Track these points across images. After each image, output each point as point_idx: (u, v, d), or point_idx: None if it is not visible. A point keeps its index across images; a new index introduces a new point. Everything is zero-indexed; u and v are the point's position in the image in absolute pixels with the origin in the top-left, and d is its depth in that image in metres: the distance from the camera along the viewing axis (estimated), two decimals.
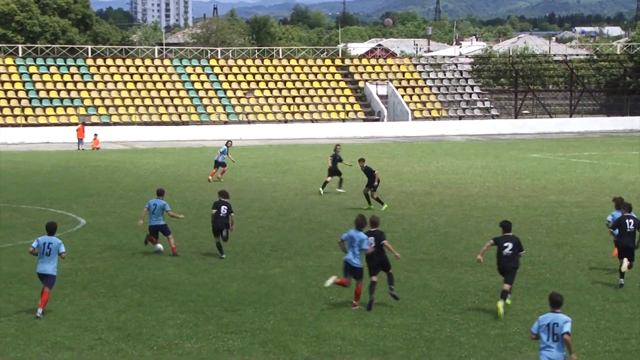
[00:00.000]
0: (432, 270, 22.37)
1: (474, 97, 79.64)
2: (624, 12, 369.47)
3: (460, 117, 76.37)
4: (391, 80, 77.25)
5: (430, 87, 78.98)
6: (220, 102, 72.09)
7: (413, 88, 78.25)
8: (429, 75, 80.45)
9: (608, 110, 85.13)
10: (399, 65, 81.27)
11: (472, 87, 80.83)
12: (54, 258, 18.33)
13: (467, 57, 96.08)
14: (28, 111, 66.24)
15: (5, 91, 67.47)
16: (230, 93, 73.22)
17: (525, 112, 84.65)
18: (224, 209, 23.94)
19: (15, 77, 69.09)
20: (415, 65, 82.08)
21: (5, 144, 60.33)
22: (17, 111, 65.77)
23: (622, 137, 69.38)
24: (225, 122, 69.94)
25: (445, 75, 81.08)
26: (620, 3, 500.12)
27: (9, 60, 70.95)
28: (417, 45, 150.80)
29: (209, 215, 30.61)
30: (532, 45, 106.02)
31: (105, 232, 27.56)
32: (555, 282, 21.05)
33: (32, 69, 70.31)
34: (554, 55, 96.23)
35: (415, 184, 39.92)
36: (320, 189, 36.43)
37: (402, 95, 75.60)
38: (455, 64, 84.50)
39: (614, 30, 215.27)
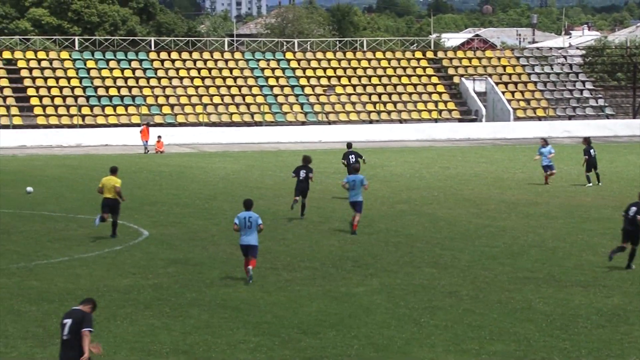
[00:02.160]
0: (538, 290, 22.21)
1: (586, 94, 78.71)
2: None
3: (570, 117, 75.52)
4: (490, 76, 76.78)
5: (535, 83, 78.30)
6: (297, 100, 72.47)
7: (515, 84, 77.65)
8: (533, 70, 79.78)
9: None
10: (499, 59, 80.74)
11: (583, 82, 79.90)
12: (255, 230, 22.94)
13: (577, 48, 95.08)
14: (85, 110, 67.42)
15: (61, 88, 68.77)
16: (308, 90, 73.56)
17: None
18: (302, 172, 31.75)
19: (71, 73, 70.38)
20: (518, 58, 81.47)
21: (60, 146, 61.50)
22: (73, 110, 66.99)
23: None
24: (303, 123, 70.30)
25: (552, 69, 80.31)
26: None
27: (64, 54, 72.30)
28: (520, 35, 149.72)
29: (284, 226, 30.91)
30: None
31: (170, 244, 27.93)
32: None
33: (90, 64, 71.55)
34: None
35: (517, 192, 39.64)
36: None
37: (503, 92, 75.06)
38: (564, 57, 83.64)
39: None
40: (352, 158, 37.32)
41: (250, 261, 23.02)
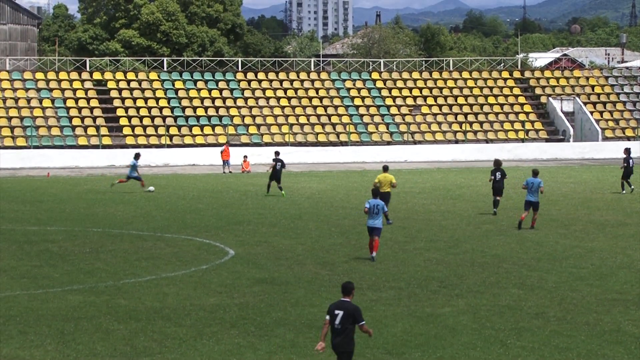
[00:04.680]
0: (627, 312, 21.85)
1: None
2: None
3: None
4: (578, 95, 76.04)
5: (624, 103, 77.32)
6: (382, 120, 72.52)
7: (604, 104, 76.77)
8: (622, 89, 78.79)
9: None
10: (587, 78, 79.92)
11: None
12: (380, 215, 28.16)
13: None
14: (173, 130, 68.25)
15: (149, 109, 69.74)
16: (394, 110, 73.57)
17: None
18: (498, 174, 38.05)
19: (159, 93, 71.34)
20: (606, 77, 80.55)
21: (149, 166, 62.29)
22: (161, 130, 67.85)
23: None
24: (389, 143, 70.29)
25: None
26: None
27: (153, 75, 73.32)
28: (608, 55, 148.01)
29: (367, 246, 30.87)
30: None
31: (256, 263, 28.08)
32: None
33: (178, 84, 72.44)
34: None
35: (606, 212, 39.10)
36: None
37: (591, 112, 74.26)
38: None
39: None
40: (497, 175, 38.53)
41: (375, 241, 28.11)
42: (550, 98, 75.41)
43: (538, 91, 77.20)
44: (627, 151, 47.75)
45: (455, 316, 21.67)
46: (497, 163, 39.32)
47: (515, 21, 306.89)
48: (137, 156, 48.11)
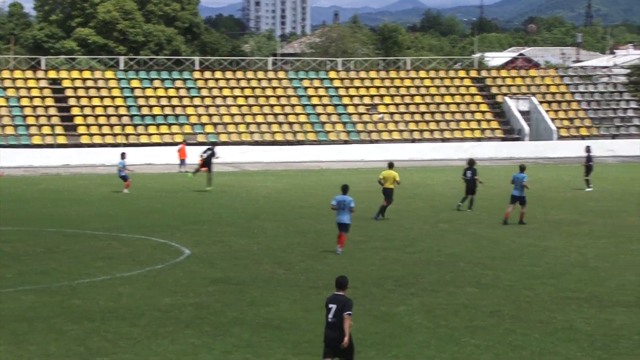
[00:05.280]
0: (580, 310, 22.03)
1: (630, 113, 78.15)
2: None
3: (614, 136, 74.96)
4: (534, 94, 76.49)
5: (579, 102, 77.88)
6: (340, 119, 72.59)
7: (559, 103, 77.29)
8: (577, 89, 79.37)
9: None
10: (543, 77, 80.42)
11: (627, 101, 79.36)
12: (347, 211, 28.74)
13: (622, 67, 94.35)
14: (129, 129, 67.89)
15: (105, 107, 69.34)
16: (351, 109, 73.65)
17: None
18: (469, 173, 39.49)
19: (115, 92, 70.93)
20: (562, 77, 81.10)
21: (103, 165, 61.90)
22: (117, 129, 67.48)
23: None
24: (346, 142, 70.36)
25: (596, 88, 79.86)
26: None
27: (109, 74, 72.89)
28: (564, 54, 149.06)
29: (327, 244, 30.89)
30: None
31: (212, 263, 28.01)
32: None
33: (134, 83, 72.08)
34: None
35: (561, 211, 39.39)
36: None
37: (547, 111, 74.73)
38: (609, 76, 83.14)
39: None
40: (468, 174, 39.76)
41: (342, 237, 29.00)
42: (506, 97, 75.79)
43: (494, 90, 77.56)
44: (588, 149, 48.55)
45: (410, 315, 21.75)
46: (470, 162, 40.32)
47: (472, 21, 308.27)
48: (123, 155, 47.94)
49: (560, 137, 73.03)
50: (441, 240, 32.24)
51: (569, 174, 55.62)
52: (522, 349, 18.98)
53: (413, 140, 71.41)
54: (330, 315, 16.10)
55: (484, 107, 75.62)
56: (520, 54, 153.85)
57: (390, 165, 38.56)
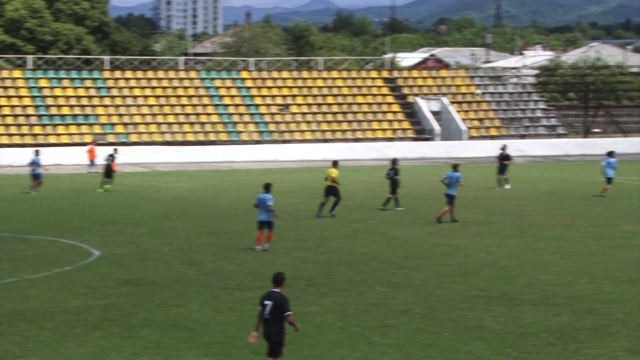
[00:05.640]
0: (489, 309, 22.28)
1: (539, 113, 79.33)
2: None
3: (523, 136, 76.00)
4: (445, 95, 77.21)
5: (489, 102, 78.81)
6: (252, 119, 72.46)
7: (469, 103, 78.14)
8: (487, 89, 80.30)
9: None
10: (453, 78, 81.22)
11: (536, 102, 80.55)
12: (267, 209, 29.15)
13: (531, 68, 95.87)
14: (37, 130, 66.94)
15: (13, 107, 68.28)
16: (263, 109, 73.57)
17: (596, 130, 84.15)
18: (391, 172, 39.84)
19: (23, 92, 69.89)
20: (472, 77, 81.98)
21: (11, 166, 60.92)
22: (25, 130, 66.49)
23: None
24: (258, 142, 70.26)
25: (505, 89, 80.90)
26: None
27: (17, 73, 71.79)
28: (474, 55, 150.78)
29: (238, 245, 30.80)
30: (604, 56, 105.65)
31: (122, 264, 27.75)
32: (628, 323, 20.88)
33: (43, 82, 71.10)
34: (630, 66, 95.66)
35: (471, 211, 39.79)
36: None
37: (457, 112, 75.50)
38: (518, 77, 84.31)
39: None
40: (390, 173, 40.53)
41: (268, 233, 29.58)
42: (417, 98, 76.37)
43: (405, 91, 78.08)
44: (503, 148, 49.82)
45: (321, 315, 21.78)
46: (393, 162, 41.02)
47: (384, 21, 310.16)
48: (37, 152, 47.85)
49: (471, 137, 73.81)
50: (353, 240, 32.35)
51: (479, 174, 56.24)
52: (432, 348, 19.13)
53: (325, 141, 71.57)
54: (266, 312, 16.30)
55: (395, 108, 76.11)
56: (432, 55, 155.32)
57: (333, 164, 39.33)
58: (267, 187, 30.08)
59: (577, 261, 28.29)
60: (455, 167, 37.59)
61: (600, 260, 28.30)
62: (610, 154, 46.55)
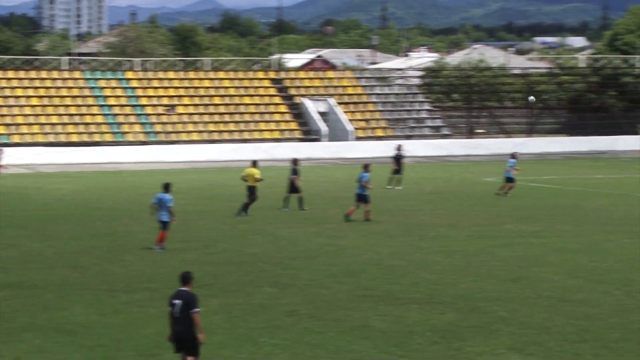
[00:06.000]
0: (376, 308, 22.43)
1: (424, 114, 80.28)
2: (588, 20, 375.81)
3: (408, 137, 76.77)
4: (331, 96, 77.58)
5: (375, 103, 79.44)
6: (138, 119, 71.78)
7: (356, 104, 78.64)
8: (373, 90, 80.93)
9: (570, 130, 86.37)
10: (340, 79, 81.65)
11: (421, 103, 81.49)
12: (166, 209, 29.46)
13: (416, 69, 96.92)
14: None
15: None
16: (149, 109, 72.94)
17: (479, 131, 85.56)
18: (291, 172, 40.49)
19: None
20: (358, 78, 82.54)
21: None
22: None
23: (585, 159, 70.37)
24: (144, 143, 69.61)
25: (391, 90, 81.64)
26: (585, 11, 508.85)
27: None
28: (361, 56, 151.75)
29: (123, 247, 30.46)
30: (487, 57, 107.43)
31: (3, 267, 27.21)
32: (511, 320, 21.24)
33: None
34: (512, 68, 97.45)
35: (357, 211, 39.93)
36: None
37: (344, 112, 75.92)
38: (403, 78, 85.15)
39: (578, 41, 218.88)
40: (290, 173, 40.96)
41: (161, 233, 29.58)
42: (304, 98, 76.60)
43: (292, 92, 78.24)
44: (399, 148, 50.48)
45: (208, 316, 21.61)
46: (294, 162, 41.49)
47: (271, 22, 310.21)
48: None
49: (358, 138, 74.30)
50: (240, 240, 32.29)
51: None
52: (318, 348, 19.18)
53: (212, 141, 71.28)
54: (175, 311, 16.36)
55: (282, 108, 76.21)
56: (318, 56, 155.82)
57: (254, 163, 39.54)
58: (167, 187, 30.18)
59: (461, 260, 28.69)
60: (365, 168, 37.83)
61: (484, 260, 28.73)
62: (513, 155, 47.14)
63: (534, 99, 44.71)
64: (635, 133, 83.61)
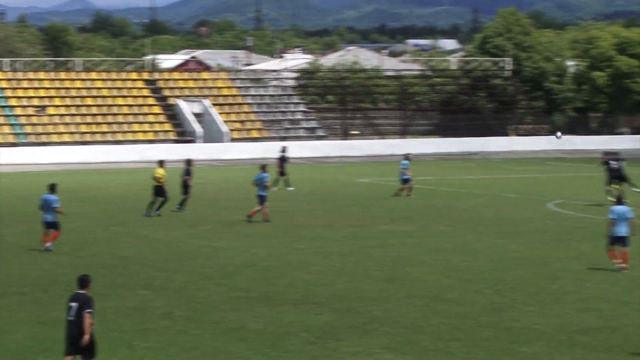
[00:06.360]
0: (251, 310, 22.41)
1: (299, 115, 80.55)
2: (459, 23, 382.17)
3: (284, 138, 76.89)
4: (206, 97, 77.25)
5: (251, 105, 79.39)
6: (7, 120, 70.33)
7: (231, 105, 78.46)
8: (248, 92, 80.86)
9: (442, 131, 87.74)
10: (214, 80, 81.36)
11: (296, 104, 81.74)
12: (52, 210, 29.36)
13: (291, 71, 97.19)
14: None
15: None
16: (19, 110, 71.54)
17: (354, 132, 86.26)
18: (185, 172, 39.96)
19: None
20: (233, 79, 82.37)
21: None
22: None
23: (457, 160, 71.56)
24: (14, 144, 68.25)
25: (267, 91, 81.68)
26: (456, 14, 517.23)
27: None
28: (235, 57, 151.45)
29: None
30: (362, 59, 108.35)
31: None
32: (385, 320, 21.44)
33: None
34: (386, 70, 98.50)
35: (234, 212, 39.92)
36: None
37: (220, 114, 75.68)
38: (278, 79, 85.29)
39: (449, 44, 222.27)
40: (185, 173, 40.68)
41: (52, 235, 29.57)
42: (178, 100, 76.09)
43: (167, 92, 77.65)
44: (284, 150, 50.80)
45: None
46: (187, 162, 41.37)
47: (144, 22, 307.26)
48: None
49: (233, 140, 74.14)
50: (114, 243, 31.92)
51: (241, 175, 56.58)
52: (194, 350, 19.07)
53: (85, 143, 70.30)
54: (71, 314, 16.31)
55: (156, 109, 75.60)
56: (193, 57, 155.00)
57: (159, 163, 39.53)
58: (52, 188, 30.00)
59: (337, 261, 28.86)
60: (263, 168, 37.85)
61: (360, 260, 28.96)
62: (406, 156, 47.14)
63: (561, 135, 45.64)
64: (505, 134, 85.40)
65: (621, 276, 26.41)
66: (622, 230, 26.99)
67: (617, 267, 26.95)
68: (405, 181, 45.90)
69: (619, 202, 28.03)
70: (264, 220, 36.73)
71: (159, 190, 38.65)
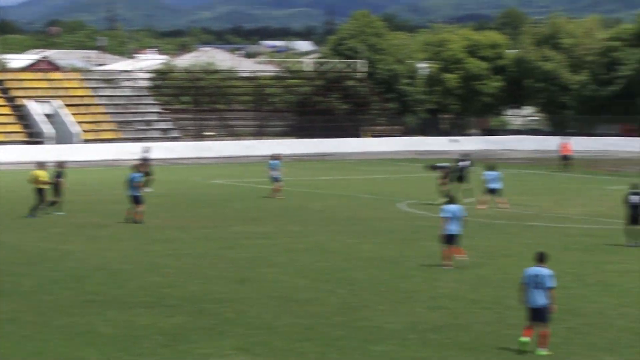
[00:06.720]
0: (102, 313, 22.02)
1: (153, 116, 79.77)
2: (314, 25, 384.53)
3: (138, 139, 76.04)
4: (57, 98, 75.81)
5: (104, 106, 78.27)
6: None
7: (83, 106, 77.20)
8: (101, 92, 79.70)
9: (297, 132, 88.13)
10: (66, 80, 79.92)
11: (150, 105, 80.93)
12: None
13: (145, 72, 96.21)
14: None
15: None
16: None
17: (209, 133, 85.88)
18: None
19: None
20: (85, 80, 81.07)
21: None
22: None
23: (312, 161, 71.94)
24: None
25: (121, 91, 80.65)
26: (311, 16, 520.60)
27: None
28: (88, 58, 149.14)
29: None
30: (217, 60, 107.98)
31: None
32: (238, 321, 21.35)
33: None
34: (241, 71, 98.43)
35: (85, 215, 39.31)
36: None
37: (72, 114, 74.37)
38: (131, 80, 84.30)
39: (304, 45, 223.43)
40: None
41: None
42: (28, 100, 74.50)
43: (15, 93, 75.96)
44: (146, 150, 50.49)
45: None
46: (59, 165, 40.71)
47: None
48: None
49: (86, 141, 73.00)
50: None
51: (93, 177, 55.74)
52: (41, 355, 18.63)
53: None
54: None
55: (5, 110, 73.95)
56: (44, 57, 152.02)
57: (39, 165, 39.30)
58: None
59: (190, 263, 28.64)
60: (135, 168, 38.39)
61: (213, 262, 28.80)
62: (276, 157, 46.89)
63: (457, 139, 46.11)
64: (358, 135, 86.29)
65: (470, 275, 26.91)
66: (454, 228, 27.62)
67: (445, 268, 27.47)
68: (275, 180, 45.90)
69: (452, 201, 28.77)
70: (134, 221, 36.40)
71: (40, 192, 38.01)
